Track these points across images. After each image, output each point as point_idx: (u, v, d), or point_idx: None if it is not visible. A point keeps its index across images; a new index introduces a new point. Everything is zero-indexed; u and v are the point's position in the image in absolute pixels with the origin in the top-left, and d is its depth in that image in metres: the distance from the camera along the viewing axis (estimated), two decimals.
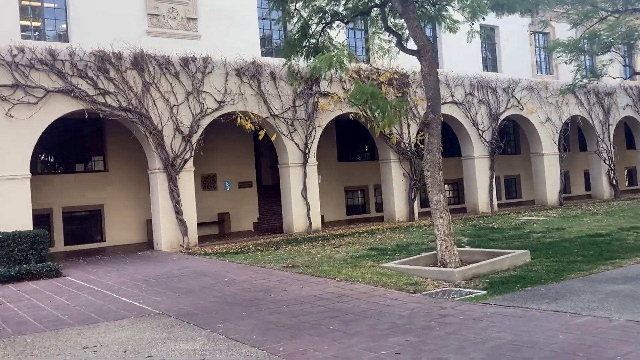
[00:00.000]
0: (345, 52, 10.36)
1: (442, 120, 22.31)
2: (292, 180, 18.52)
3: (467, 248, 12.32)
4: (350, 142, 25.55)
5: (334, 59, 9.68)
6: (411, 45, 11.67)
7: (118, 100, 15.62)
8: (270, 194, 24.07)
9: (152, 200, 16.70)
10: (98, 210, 19.47)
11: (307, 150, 18.73)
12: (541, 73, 28.42)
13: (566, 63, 25.28)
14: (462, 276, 9.71)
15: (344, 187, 24.74)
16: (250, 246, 15.96)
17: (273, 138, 18.03)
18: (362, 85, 10.81)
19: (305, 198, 18.62)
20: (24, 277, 11.60)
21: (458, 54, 23.41)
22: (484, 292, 8.71)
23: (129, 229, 19.56)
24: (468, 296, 8.55)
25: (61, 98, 14.92)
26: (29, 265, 11.93)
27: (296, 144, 18.57)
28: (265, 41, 20.35)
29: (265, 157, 25.61)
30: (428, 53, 10.85)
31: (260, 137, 17.70)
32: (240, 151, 22.17)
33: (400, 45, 11.83)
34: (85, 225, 19.29)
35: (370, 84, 19.74)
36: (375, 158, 25.85)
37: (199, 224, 20.14)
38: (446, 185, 27.94)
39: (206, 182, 21.44)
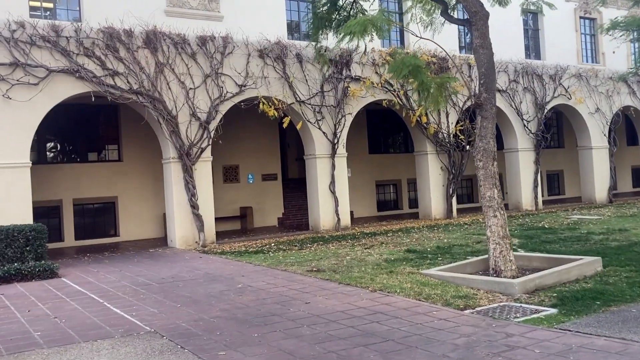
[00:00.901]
0: (382, 16, 8.68)
1: None
2: (320, 173, 16.92)
3: (522, 252, 10.56)
4: (382, 133, 23.82)
5: (369, 23, 8.03)
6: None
7: (128, 82, 14.20)
8: (296, 187, 22.55)
9: (166, 192, 15.29)
10: (112, 203, 18.17)
11: (335, 140, 17.10)
12: (586, 62, 26.22)
13: (617, 47, 23.22)
14: (523, 288, 7.99)
15: (374, 182, 23.04)
16: (272, 244, 14.42)
17: (299, 126, 16.44)
18: (404, 56, 9.09)
19: (333, 192, 17.01)
20: (12, 278, 10.24)
21: (498, 39, 21.45)
22: (554, 310, 7.00)
23: (144, 224, 18.21)
24: (534, 316, 6.85)
25: (65, 79, 13.54)
26: (20, 265, 10.57)
27: (324, 133, 16.95)
28: (292, 24, 18.72)
29: (292, 148, 24.08)
30: (481, 21, 9.12)
31: (285, 125, 16.13)
32: (265, 142, 20.65)
33: (446, 14, 10.10)
34: (97, 219, 18.01)
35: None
36: (409, 150, 24.13)
37: (219, 219, 18.73)
38: None
39: (228, 174, 19.98)
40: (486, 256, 10.00)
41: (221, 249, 14.04)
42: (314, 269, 10.11)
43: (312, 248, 13.24)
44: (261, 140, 20.54)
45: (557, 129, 28.53)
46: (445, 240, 13.32)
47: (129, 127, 18.11)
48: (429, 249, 11.94)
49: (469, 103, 19.74)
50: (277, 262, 11.19)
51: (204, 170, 15.10)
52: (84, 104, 17.60)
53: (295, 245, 13.91)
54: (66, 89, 13.57)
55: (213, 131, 15.22)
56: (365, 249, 12.56)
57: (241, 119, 19.74)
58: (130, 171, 18.20)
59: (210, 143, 15.15)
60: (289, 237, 15.99)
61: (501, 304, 7.55)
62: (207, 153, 15.16)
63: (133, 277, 10.40)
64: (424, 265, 10.02)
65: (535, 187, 21.52)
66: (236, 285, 9.09)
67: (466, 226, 16.22)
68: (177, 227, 14.72)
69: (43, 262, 10.88)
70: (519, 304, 7.47)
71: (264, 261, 11.48)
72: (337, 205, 17.01)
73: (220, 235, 17.41)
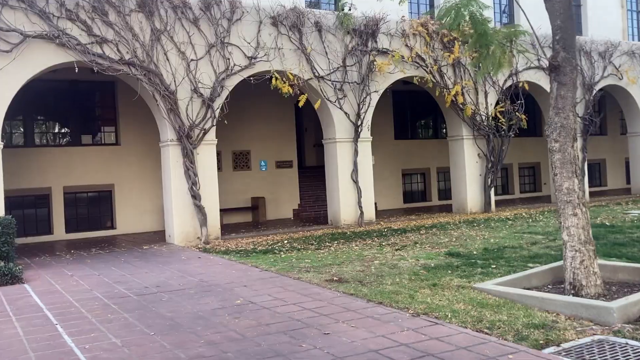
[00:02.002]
0: None
1: (527, 89, 18.20)
2: (340, 160, 14.79)
3: (603, 260, 8.35)
4: (410, 116, 21.58)
5: None
6: None
7: (119, 52, 12.17)
8: (313, 176, 20.45)
9: (164, 181, 13.29)
10: (108, 192, 16.25)
11: (359, 122, 14.95)
12: (632, 40, 23.66)
13: None
14: (624, 315, 5.82)
15: (400, 170, 20.86)
16: (285, 241, 12.37)
17: (317, 105, 14.31)
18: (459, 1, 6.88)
19: (355, 182, 14.89)
20: None
21: (537, 14, 19.09)
22: None
23: (144, 215, 16.27)
24: None
25: (44, 46, 11.54)
26: None
27: (346, 113, 14.80)
28: None
29: (310, 133, 21.99)
30: None
31: (301, 104, 14.00)
32: (279, 125, 18.57)
33: None
34: (92, 210, 16.10)
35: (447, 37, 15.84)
36: (438, 136, 21.94)
37: (228, 210, 16.75)
38: (522, 170, 23.77)
39: (238, 161, 17.95)
40: (554, 264, 7.85)
41: (225, 247, 12.02)
42: (335, 279, 8.02)
43: (332, 248, 11.16)
44: (275, 123, 18.47)
45: (600, 114, 26.05)
46: (492, 240, 11.13)
47: (128, 107, 16.13)
48: (475, 252, 9.78)
49: (510, 82, 17.45)
50: (289, 267, 9.12)
51: (207, 155, 13.07)
52: (77, 80, 15.67)
53: (312, 244, 11.84)
54: (45, 57, 11.57)
55: (218, 110, 13.15)
56: (396, 250, 10.44)
57: (252, 98, 17.70)
58: (129, 156, 16.26)
59: (214, 124, 13.10)
60: (305, 233, 13.92)
61: (595, 337, 5.41)
62: (211, 135, 13.12)
63: (110, 284, 8.41)
64: (474, 275, 7.88)
65: (582, 177, 19.16)
66: (234, 300, 7.04)
67: (510, 222, 14.00)
68: (175, 220, 12.73)
69: (3, 264, 8.92)
70: (624, 340, 5.32)
71: (273, 265, 9.43)
72: (360, 196, 14.89)
73: (228, 228, 15.42)
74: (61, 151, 15.60)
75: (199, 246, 12.39)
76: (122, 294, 7.66)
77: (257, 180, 18.17)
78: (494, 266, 8.47)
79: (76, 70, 11.84)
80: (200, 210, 12.74)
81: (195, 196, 12.69)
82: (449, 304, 6.40)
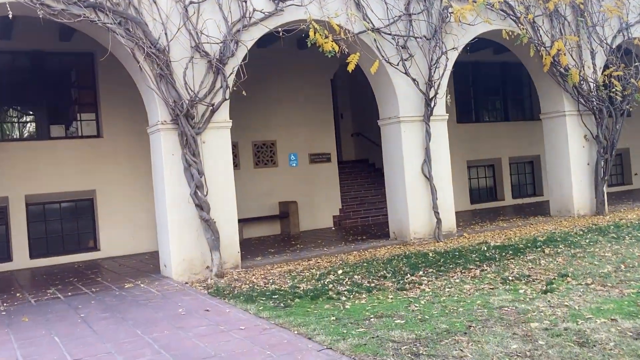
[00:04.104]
0: None
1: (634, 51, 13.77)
2: (406, 147, 10.45)
3: None
4: (475, 94, 17.16)
5: None
6: None
7: None
8: (354, 172, 16.27)
9: (155, 183, 9.04)
10: (88, 201, 12.07)
11: (432, 93, 10.60)
12: None
13: None
14: None
15: (466, 162, 16.46)
16: (339, 271, 8.07)
17: (373, 69, 9.94)
18: None
19: (428, 177, 10.54)
20: None
21: None
22: None
23: (137, 231, 12.07)
24: None
25: None
26: None
27: (413, 80, 10.44)
28: None
29: (346, 120, 17.70)
30: None
31: (351, 67, 9.59)
32: (314, 107, 14.31)
33: None
34: (67, 226, 11.92)
35: None
36: (508, 118, 17.50)
37: (248, 221, 12.52)
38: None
39: (260, 155, 13.70)
40: None
41: (249, 284, 7.74)
42: None
43: (423, 285, 6.83)
44: (308, 104, 14.20)
45: None
46: None
47: (113, 86, 11.97)
48: None
49: (619, 39, 12.97)
50: (374, 340, 4.79)
51: (218, 144, 8.80)
52: (41, 50, 11.55)
53: (384, 275, 7.54)
54: None
55: (232, 76, 8.88)
56: (544, 292, 6.06)
57: (277, 71, 13.49)
58: (115, 152, 12.08)
59: (227, 97, 8.82)
60: (363, 254, 9.61)
61: None
62: (223, 114, 8.85)
63: None
64: None
65: None
66: None
67: None
68: (173, 243, 8.47)
69: None
70: None
71: (339, 333, 5.10)
72: (434, 197, 10.53)
73: (250, 247, 11.15)
74: (22, 147, 11.45)
75: (208, 282, 8.12)
76: None
77: (286, 179, 13.91)
78: None
79: (10, 15, 7.60)
80: (209, 226, 8.47)
81: (202, 206, 8.42)
82: None
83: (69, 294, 7.97)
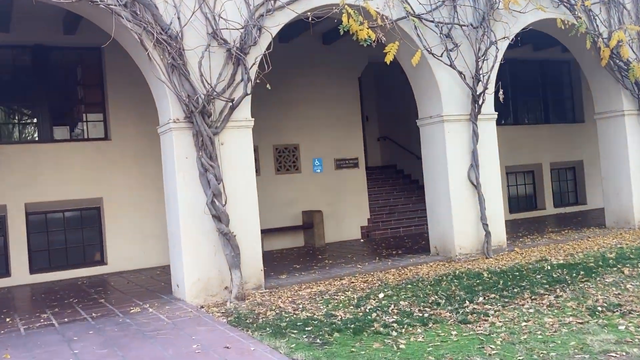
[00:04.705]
0: None
1: None
2: (450, 150, 9.21)
3: None
4: (518, 93, 15.85)
5: None
6: None
7: None
8: (381, 179, 15.14)
9: (166, 191, 7.88)
10: (94, 210, 10.97)
11: (479, 89, 9.36)
12: None
13: None
14: None
15: (504, 168, 15.14)
16: (380, 294, 6.84)
17: (415, 60, 8.70)
18: None
19: (475, 184, 9.28)
20: None
21: None
22: None
23: (147, 243, 10.94)
24: None
25: None
26: None
27: (460, 73, 9.20)
28: None
29: (372, 123, 16.51)
30: None
31: (389, 58, 8.35)
32: (340, 108, 13.13)
33: None
34: (71, 237, 10.81)
35: None
36: (549, 120, 16.19)
37: (269, 231, 11.35)
38: None
39: (282, 159, 12.54)
40: None
41: (275, 309, 6.54)
42: None
43: (487, 315, 5.58)
44: (334, 105, 13.02)
45: None
46: None
47: (122, 84, 10.89)
48: None
49: None
50: None
51: (238, 146, 7.64)
52: (43, 44, 10.50)
53: (437, 302, 6.29)
54: None
55: (255, 67, 7.71)
56: None
57: (301, 68, 12.38)
58: (124, 156, 10.97)
59: (249, 92, 7.65)
60: (403, 272, 8.38)
61: None
62: (244, 111, 7.68)
63: None
64: None
65: None
66: None
67: None
68: (186, 260, 7.29)
69: None
70: None
71: None
72: (482, 207, 9.27)
73: (272, 261, 9.97)
74: (22, 151, 10.36)
75: (228, 306, 6.94)
76: None
77: (310, 186, 12.72)
78: None
79: None
80: (228, 240, 7.28)
81: (220, 217, 7.24)
82: None
83: (66, 319, 6.82)
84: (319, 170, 12.84)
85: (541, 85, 16.16)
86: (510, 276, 7.41)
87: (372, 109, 16.64)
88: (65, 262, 10.62)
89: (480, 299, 6.35)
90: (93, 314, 6.97)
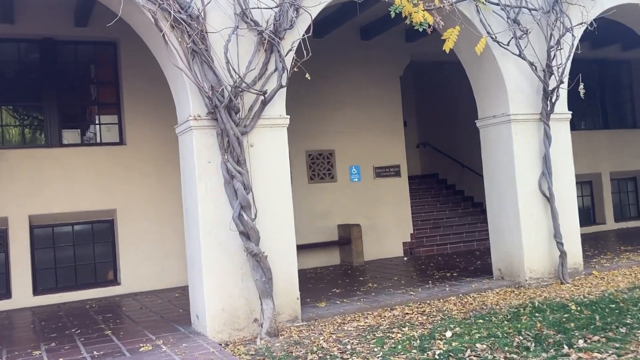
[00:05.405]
0: None
1: None
2: (518, 154, 7.81)
3: None
4: (573, 95, 14.30)
5: None
6: None
7: None
8: (423, 189, 13.86)
9: (184, 202, 6.62)
10: (107, 223, 9.78)
11: (552, 84, 7.97)
12: None
13: None
14: None
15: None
16: (433, 332, 5.46)
17: (479, 48, 7.33)
18: None
19: (548, 196, 7.86)
20: None
21: None
22: None
23: (166, 261, 9.72)
24: None
25: None
26: None
27: (531, 64, 7.82)
28: None
29: (410, 128, 15.17)
30: None
31: (447, 46, 7.02)
32: (379, 109, 11.84)
33: None
34: (81, 253, 9.62)
35: None
36: (607, 125, 14.73)
37: (302, 248, 10.01)
38: None
39: (316, 167, 11.26)
40: None
41: (317, 352, 5.20)
42: None
43: None
44: (373, 106, 11.73)
45: None
46: None
47: (139, 82, 9.75)
48: None
49: None
50: None
51: (271, 149, 6.37)
52: (52, 37, 9.41)
53: (521, 342, 4.92)
54: None
55: (291, 54, 6.44)
56: None
57: (336, 65, 11.13)
58: (140, 163, 9.79)
59: (285, 83, 6.38)
60: (464, 300, 7.00)
61: None
62: (278, 108, 6.41)
63: None
64: None
65: None
66: None
67: None
68: (207, 286, 6.01)
69: None
70: None
71: None
72: (556, 223, 7.84)
73: (303, 283, 8.62)
74: (26, 156, 9.22)
75: (258, 345, 5.65)
76: None
77: (347, 197, 11.41)
78: None
79: None
80: (258, 262, 5.99)
81: (248, 234, 5.95)
82: None
83: (66, 349, 5.58)
84: (356, 179, 11.53)
85: (599, 86, 14.65)
86: (606, 310, 5.99)
87: (411, 113, 15.32)
88: (74, 281, 9.44)
89: (581, 341, 4.96)
90: (95, 353, 5.72)
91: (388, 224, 11.64)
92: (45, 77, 9.48)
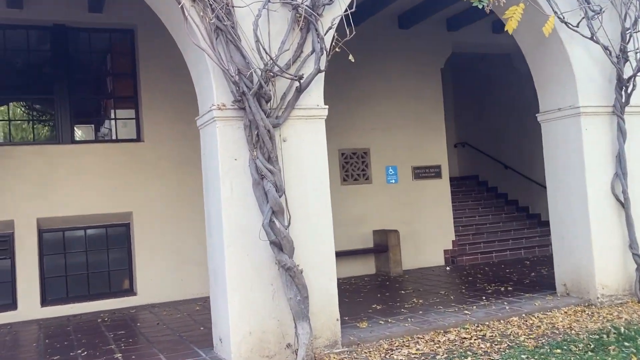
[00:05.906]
0: None
1: None
2: (588, 153, 6.78)
3: None
4: None
5: None
6: None
7: None
8: (463, 192, 12.87)
9: (206, 204, 5.72)
10: (122, 227, 8.95)
11: (626, 72, 6.93)
12: None
13: None
14: None
15: None
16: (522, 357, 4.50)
17: (547, 30, 6.30)
18: None
19: (622, 200, 6.82)
20: None
21: None
22: None
23: (185, 269, 8.86)
24: None
25: None
26: None
27: (605, 49, 6.78)
28: None
29: (447, 126, 14.08)
30: None
31: (511, 27, 6.03)
32: (418, 105, 10.87)
33: None
34: (94, 260, 8.81)
35: None
36: None
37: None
38: None
39: (350, 168, 10.32)
40: None
41: None
42: None
43: None
44: (411, 101, 10.77)
45: None
46: None
47: (158, 73, 8.89)
48: None
49: None
50: None
51: (307, 144, 5.44)
52: (64, 24, 8.60)
53: None
54: None
55: (331, 32, 5.52)
56: None
57: (373, 53, 10.17)
58: (159, 161, 8.94)
59: (324, 67, 5.45)
60: (529, 321, 6.00)
61: None
62: (315, 96, 5.48)
63: None
64: None
65: None
66: None
67: None
68: (232, 305, 5.10)
69: None
70: None
71: None
72: (632, 232, 6.80)
73: (339, 297, 7.64)
74: (34, 154, 8.43)
75: None
76: None
77: (383, 200, 10.44)
78: None
79: None
80: (292, 277, 5.07)
81: (281, 244, 5.03)
82: None
83: None
84: (393, 181, 10.56)
85: None
86: None
87: (449, 110, 14.27)
88: (86, 291, 8.61)
89: None
90: None
91: (428, 230, 10.65)
92: (56, 68, 8.68)
